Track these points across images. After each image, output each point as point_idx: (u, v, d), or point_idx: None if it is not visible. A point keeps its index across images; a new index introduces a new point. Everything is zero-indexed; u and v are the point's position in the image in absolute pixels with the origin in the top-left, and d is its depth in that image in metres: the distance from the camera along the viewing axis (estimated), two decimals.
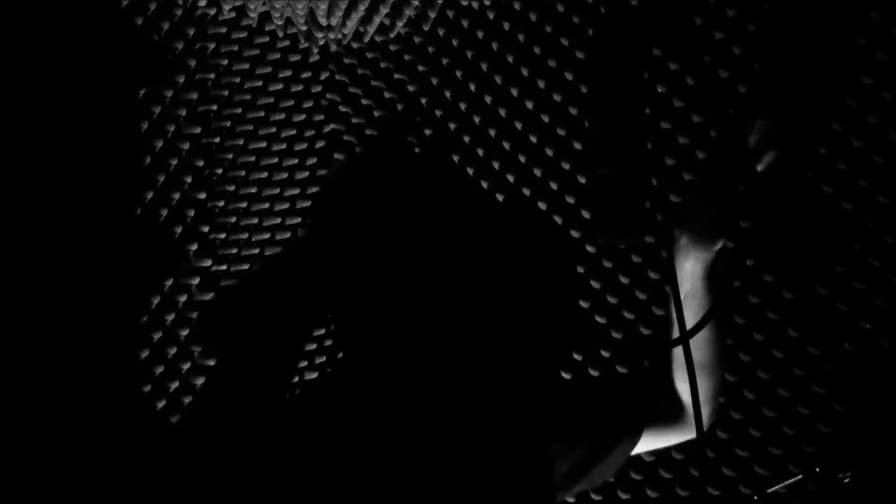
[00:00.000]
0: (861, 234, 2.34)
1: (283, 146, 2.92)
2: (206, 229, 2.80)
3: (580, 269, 2.64)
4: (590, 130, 2.62)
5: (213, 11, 2.83)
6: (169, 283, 2.73)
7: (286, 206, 2.91)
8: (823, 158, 2.37)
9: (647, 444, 1.97)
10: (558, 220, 2.65)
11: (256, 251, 2.88)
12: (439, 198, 1.70)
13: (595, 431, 1.90)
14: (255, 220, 2.88)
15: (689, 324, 1.79)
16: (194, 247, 2.78)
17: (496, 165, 2.77)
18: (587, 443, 1.88)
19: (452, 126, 2.84)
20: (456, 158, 2.82)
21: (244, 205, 2.86)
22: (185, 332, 2.75)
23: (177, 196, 2.75)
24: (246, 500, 1.51)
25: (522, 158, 2.73)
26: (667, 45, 2.51)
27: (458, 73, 2.84)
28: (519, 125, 2.74)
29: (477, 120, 2.81)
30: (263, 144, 2.89)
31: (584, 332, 2.59)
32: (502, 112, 2.77)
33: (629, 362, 2.47)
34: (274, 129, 2.91)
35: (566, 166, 2.68)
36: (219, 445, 1.50)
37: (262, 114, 2.90)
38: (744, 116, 1.80)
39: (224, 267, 2.82)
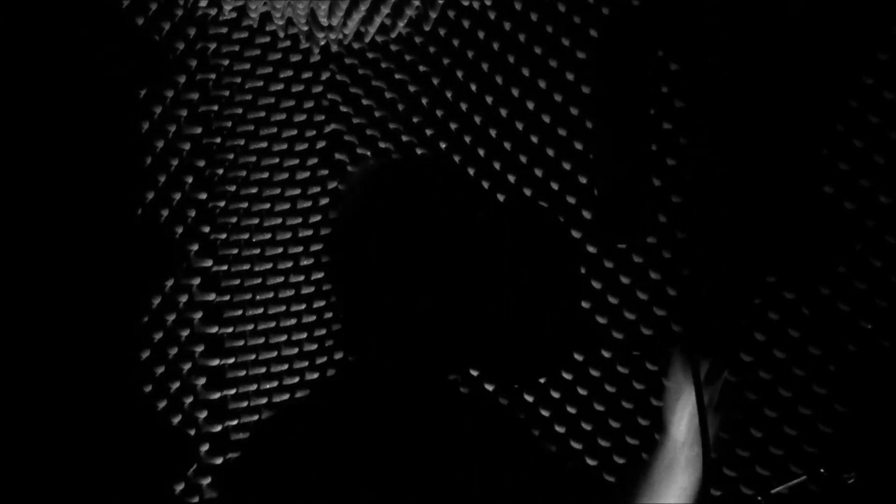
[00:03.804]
0: (862, 234, 2.34)
1: (284, 146, 2.92)
2: (206, 229, 2.80)
3: (581, 269, 2.64)
4: (592, 130, 2.62)
5: (213, 11, 2.83)
6: (170, 283, 2.73)
7: (287, 206, 2.91)
8: (825, 159, 2.37)
9: None
10: (559, 220, 2.65)
11: (257, 251, 2.88)
12: (440, 199, 1.70)
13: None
14: (256, 220, 2.88)
15: None
16: (195, 247, 2.78)
17: (497, 166, 2.77)
18: None
19: (453, 126, 2.84)
20: (457, 158, 2.82)
21: (245, 205, 2.86)
22: (185, 333, 2.75)
23: (178, 196, 2.75)
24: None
25: (523, 159, 2.73)
26: (669, 45, 2.52)
27: (459, 74, 2.84)
28: (520, 125, 2.74)
29: (478, 120, 2.81)
30: (264, 145, 2.89)
31: (584, 332, 2.59)
32: (503, 112, 2.77)
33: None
34: (275, 130, 2.90)
35: (567, 166, 2.68)
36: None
37: (263, 114, 2.89)
38: None
39: (225, 267, 2.82)
